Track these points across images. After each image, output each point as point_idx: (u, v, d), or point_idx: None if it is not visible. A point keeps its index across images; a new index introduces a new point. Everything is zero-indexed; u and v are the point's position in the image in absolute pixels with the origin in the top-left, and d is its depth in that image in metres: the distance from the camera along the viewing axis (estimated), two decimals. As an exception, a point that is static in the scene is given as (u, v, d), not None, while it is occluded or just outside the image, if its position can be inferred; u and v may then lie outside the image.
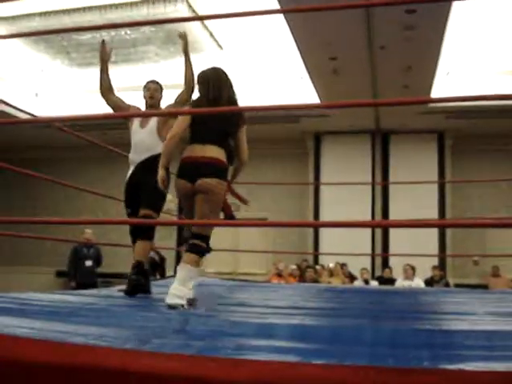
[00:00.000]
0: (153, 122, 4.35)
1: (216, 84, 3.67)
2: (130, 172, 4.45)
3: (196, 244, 3.53)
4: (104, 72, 4.54)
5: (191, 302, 3.33)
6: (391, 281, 10.18)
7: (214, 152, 3.56)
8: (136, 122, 4.44)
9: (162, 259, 10.18)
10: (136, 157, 4.38)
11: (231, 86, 3.77)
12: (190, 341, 2.12)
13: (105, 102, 4.57)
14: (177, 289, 3.30)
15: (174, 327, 2.35)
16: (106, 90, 4.54)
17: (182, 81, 4.37)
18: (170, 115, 4.22)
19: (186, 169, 3.58)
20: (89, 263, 10.07)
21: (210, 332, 2.28)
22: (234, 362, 1.81)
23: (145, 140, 4.34)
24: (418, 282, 9.75)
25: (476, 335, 2.30)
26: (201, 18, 8.39)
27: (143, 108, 4.59)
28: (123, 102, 4.54)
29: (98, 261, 10.27)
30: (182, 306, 3.23)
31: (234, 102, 3.71)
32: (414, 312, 3.63)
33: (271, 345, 2.06)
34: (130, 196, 4.42)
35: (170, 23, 8.00)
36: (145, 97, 4.54)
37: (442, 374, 1.73)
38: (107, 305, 3.40)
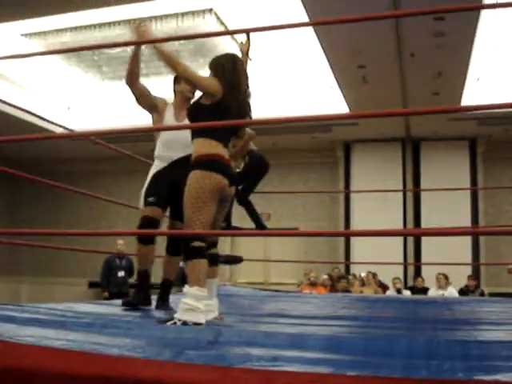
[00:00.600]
0: None
1: (231, 68, 3.26)
2: (159, 166, 3.88)
3: (218, 254, 3.46)
4: (136, 56, 3.79)
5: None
6: (424, 290, 10.04)
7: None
8: (169, 113, 3.92)
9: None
10: (171, 154, 3.82)
11: (246, 74, 3.39)
12: (223, 352, 2.13)
13: (130, 90, 3.90)
14: (207, 304, 3.30)
15: (208, 338, 2.36)
16: (134, 77, 3.84)
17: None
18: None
19: (227, 170, 3.17)
20: (121, 274, 10.17)
21: (243, 343, 2.28)
22: (266, 374, 1.80)
23: (183, 134, 3.66)
24: (452, 292, 9.59)
25: (512, 346, 2.26)
26: (229, 33, 8.41)
27: (169, 100, 4.05)
28: (149, 92, 3.97)
29: (130, 271, 10.35)
30: (216, 318, 3.25)
31: (249, 94, 3.38)
32: (448, 322, 3.59)
33: (304, 356, 2.05)
34: (158, 186, 3.81)
35: (199, 38, 8.07)
36: (181, 90, 3.97)
37: (477, 385, 1.71)
38: (140, 316, 3.43)
